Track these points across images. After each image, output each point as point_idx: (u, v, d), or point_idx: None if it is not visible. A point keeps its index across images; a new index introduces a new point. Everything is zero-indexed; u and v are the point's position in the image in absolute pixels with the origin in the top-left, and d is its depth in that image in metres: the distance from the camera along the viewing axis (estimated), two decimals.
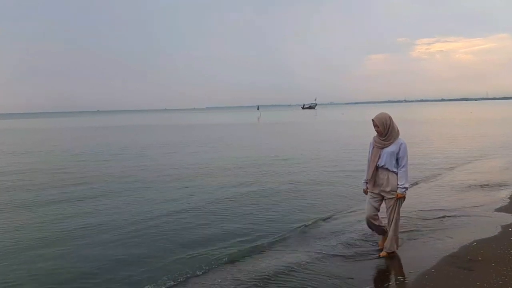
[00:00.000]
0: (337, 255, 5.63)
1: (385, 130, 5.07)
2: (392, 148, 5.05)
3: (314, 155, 16.75)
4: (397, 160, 5.08)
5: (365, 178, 5.39)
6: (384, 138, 5.10)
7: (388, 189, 5.13)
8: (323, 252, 5.78)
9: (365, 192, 5.45)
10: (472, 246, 5.73)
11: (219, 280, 4.98)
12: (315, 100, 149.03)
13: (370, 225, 5.47)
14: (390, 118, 5.12)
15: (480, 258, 5.27)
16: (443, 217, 7.25)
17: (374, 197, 5.29)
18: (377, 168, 5.16)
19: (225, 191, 9.86)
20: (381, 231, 5.51)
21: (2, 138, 34.88)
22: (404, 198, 5.19)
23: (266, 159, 15.93)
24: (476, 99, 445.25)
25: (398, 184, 5.08)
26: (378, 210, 5.34)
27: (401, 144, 5.07)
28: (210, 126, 47.55)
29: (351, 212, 7.96)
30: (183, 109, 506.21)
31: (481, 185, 9.99)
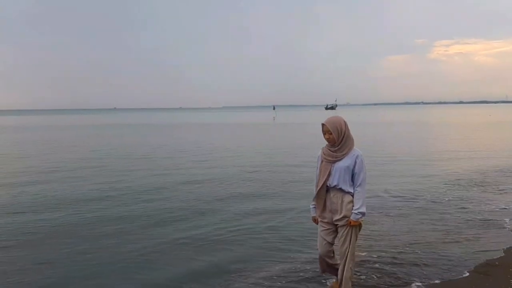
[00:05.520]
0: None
1: (339, 138, 3.98)
2: (346, 162, 3.98)
3: None
4: (352, 176, 4.02)
5: (313, 202, 4.28)
6: (336, 149, 4.02)
7: (341, 215, 4.03)
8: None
9: (315, 221, 4.31)
10: (494, 252, 5.67)
11: None
12: (335, 100, 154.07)
13: (324, 265, 4.36)
14: (345, 123, 4.06)
15: (497, 263, 5.24)
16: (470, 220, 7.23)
17: (327, 228, 4.17)
18: (327, 188, 4.11)
19: None
20: (337, 271, 4.32)
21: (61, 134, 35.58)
22: (360, 225, 4.08)
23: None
24: (495, 102, 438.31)
25: (352, 208, 4.00)
26: (333, 244, 4.24)
27: (357, 156, 3.99)
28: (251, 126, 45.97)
29: None
30: (199, 108, 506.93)
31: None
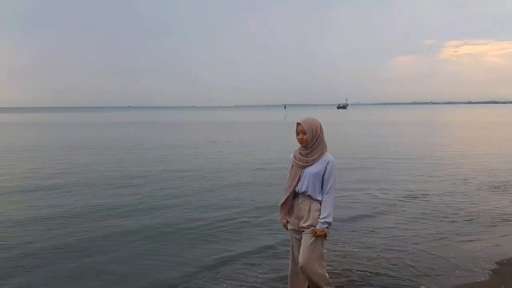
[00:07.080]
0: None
1: (313, 140, 3.79)
2: (316, 167, 3.79)
3: None
4: (322, 183, 3.82)
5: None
6: (307, 152, 3.83)
7: (307, 223, 3.81)
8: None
9: (285, 226, 4.04)
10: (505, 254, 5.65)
11: None
12: (346, 100, 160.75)
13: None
14: (320, 126, 3.88)
15: (505, 261, 5.29)
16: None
17: (299, 237, 3.93)
18: (296, 194, 3.91)
19: None
20: None
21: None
22: (325, 236, 3.81)
23: None
24: (504, 102, 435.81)
25: (319, 217, 3.78)
26: None
27: (328, 162, 3.79)
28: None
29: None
30: (212, 106, 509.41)
31: None
